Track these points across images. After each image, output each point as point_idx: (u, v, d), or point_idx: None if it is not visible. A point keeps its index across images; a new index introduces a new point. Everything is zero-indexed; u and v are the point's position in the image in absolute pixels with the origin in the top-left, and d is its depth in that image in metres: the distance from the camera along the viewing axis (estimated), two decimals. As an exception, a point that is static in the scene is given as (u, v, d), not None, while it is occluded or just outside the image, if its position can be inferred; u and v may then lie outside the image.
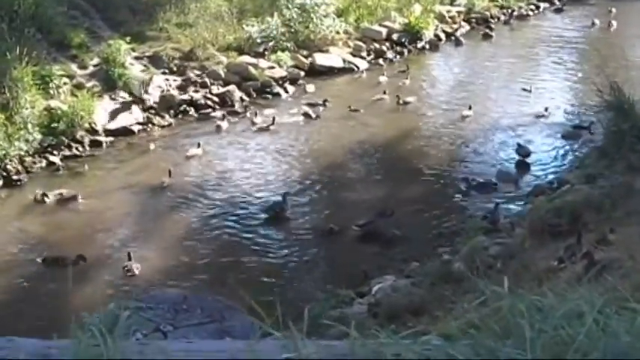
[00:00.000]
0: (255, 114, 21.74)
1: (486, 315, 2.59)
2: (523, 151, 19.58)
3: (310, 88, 24.35)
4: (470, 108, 22.20)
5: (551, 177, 18.69)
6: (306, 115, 21.77)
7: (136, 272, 14.35)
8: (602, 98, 18.95)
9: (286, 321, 2.47)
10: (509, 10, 34.70)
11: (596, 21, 33.20)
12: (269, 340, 2.60)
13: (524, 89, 23.70)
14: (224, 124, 21.39)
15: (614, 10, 34.83)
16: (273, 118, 21.36)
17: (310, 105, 22.33)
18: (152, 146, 20.37)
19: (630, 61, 29.17)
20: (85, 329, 2.37)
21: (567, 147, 20.62)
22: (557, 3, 36.99)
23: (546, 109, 22.62)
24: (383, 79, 25.58)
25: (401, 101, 23.06)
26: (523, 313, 2.41)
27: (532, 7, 35.99)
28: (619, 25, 33.37)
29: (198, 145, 19.58)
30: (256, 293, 13.77)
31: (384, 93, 23.41)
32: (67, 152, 19.68)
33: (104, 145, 20.23)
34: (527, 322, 2.36)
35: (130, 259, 14.56)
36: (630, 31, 33.43)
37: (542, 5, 36.49)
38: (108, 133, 20.65)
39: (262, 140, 20.71)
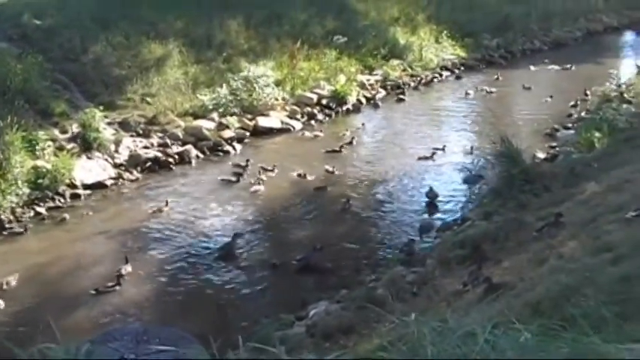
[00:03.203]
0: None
1: (396, 338, 2.62)
2: (432, 194, 19.69)
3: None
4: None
5: (455, 215, 18.79)
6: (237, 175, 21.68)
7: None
8: (496, 148, 19.20)
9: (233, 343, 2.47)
10: (418, 78, 35.08)
11: (487, 87, 33.63)
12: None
13: (437, 149, 23.78)
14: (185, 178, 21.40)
15: (500, 77, 35.48)
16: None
17: (238, 166, 22.22)
18: (123, 198, 20.29)
19: (516, 117, 29.56)
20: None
21: (468, 190, 20.75)
22: (457, 72, 37.52)
23: (449, 153, 22.91)
24: (311, 135, 25.89)
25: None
26: (426, 335, 2.45)
27: (436, 74, 36.43)
28: (504, 89, 33.92)
29: (166, 204, 19.48)
30: (209, 322, 13.80)
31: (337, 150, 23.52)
32: (51, 204, 19.53)
33: (82, 197, 20.11)
34: (429, 343, 2.39)
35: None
36: (514, 94, 33.87)
37: (445, 73, 36.94)
38: (85, 187, 20.53)
39: (219, 191, 20.65)
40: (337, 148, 23.97)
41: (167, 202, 19.52)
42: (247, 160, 22.32)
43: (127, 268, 15.52)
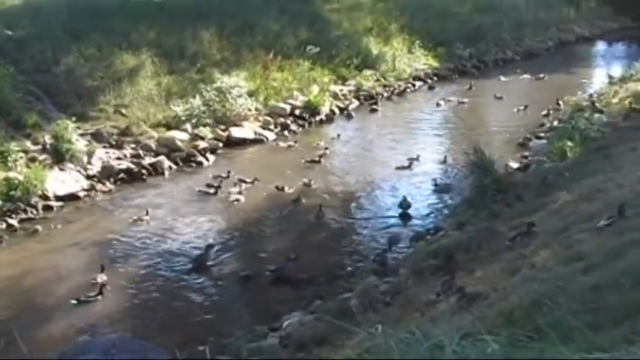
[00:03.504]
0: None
1: (364, 350, 2.63)
2: (405, 204, 19.71)
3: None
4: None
5: (429, 225, 18.81)
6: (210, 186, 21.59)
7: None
8: (469, 158, 19.28)
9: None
10: (391, 88, 35.20)
11: (460, 97, 33.77)
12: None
13: (410, 159, 23.84)
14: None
15: (473, 87, 35.66)
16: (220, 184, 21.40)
17: (216, 177, 22.14)
18: (96, 209, 20.22)
19: (489, 127, 29.69)
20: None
21: (441, 200, 20.81)
22: (429, 82, 37.65)
23: (423, 163, 23.06)
24: (285, 145, 25.94)
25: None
26: (393, 347, 2.45)
27: (409, 85, 36.61)
28: (477, 99, 34.08)
29: (147, 213, 19.46)
30: (181, 334, 13.77)
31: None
32: (23, 216, 19.36)
33: (55, 209, 19.97)
34: (396, 354, 2.40)
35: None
36: (486, 104, 34.02)
37: (418, 84, 37.11)
38: (58, 198, 20.38)
39: (192, 203, 20.61)
40: (313, 159, 24.04)
41: (147, 211, 19.53)
42: (229, 172, 22.24)
43: (103, 277, 15.46)
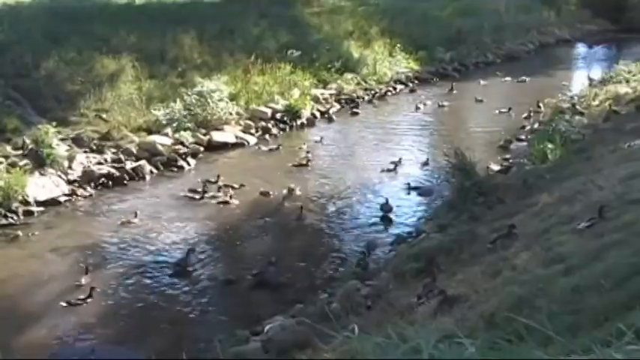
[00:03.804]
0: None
1: (340, 353, 2.61)
2: (387, 207, 19.72)
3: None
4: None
5: (410, 228, 18.83)
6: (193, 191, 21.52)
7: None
8: (449, 161, 19.30)
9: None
10: (372, 92, 35.23)
11: (441, 100, 33.86)
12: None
13: (392, 162, 23.87)
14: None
15: (454, 90, 35.78)
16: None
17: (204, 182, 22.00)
18: (77, 214, 20.15)
19: (470, 130, 29.79)
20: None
21: (423, 203, 20.85)
22: (410, 85, 37.72)
23: (404, 166, 23.16)
24: (266, 149, 25.98)
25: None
26: (369, 352, 2.44)
27: (390, 88, 36.67)
28: (458, 102, 34.20)
29: (135, 215, 19.50)
30: (163, 339, 13.74)
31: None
32: (3, 221, 19.22)
33: (35, 214, 19.84)
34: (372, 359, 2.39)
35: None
36: (468, 107, 34.12)
37: (399, 87, 37.19)
38: (38, 204, 20.25)
39: (174, 207, 20.55)
40: (294, 163, 24.08)
41: (136, 214, 19.56)
42: (218, 176, 22.08)
43: (87, 279, 15.43)
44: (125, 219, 19.34)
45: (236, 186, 21.54)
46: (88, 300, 14.99)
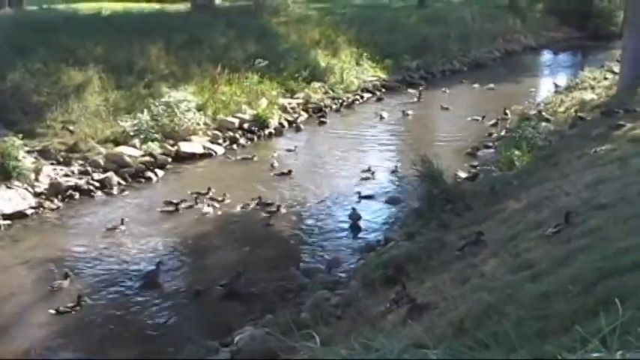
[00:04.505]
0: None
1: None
2: (355, 216, 19.73)
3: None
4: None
5: (379, 236, 18.85)
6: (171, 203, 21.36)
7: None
8: (417, 169, 19.34)
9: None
10: (340, 100, 35.25)
11: (409, 108, 33.97)
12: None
13: (361, 170, 24.03)
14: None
15: (421, 98, 35.92)
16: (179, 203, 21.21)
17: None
18: (44, 227, 20.00)
19: (438, 137, 29.89)
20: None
21: (391, 210, 20.87)
22: (378, 93, 37.81)
23: (372, 175, 23.37)
24: (234, 159, 25.95)
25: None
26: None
27: (358, 97, 36.71)
28: (425, 109, 34.32)
29: (122, 222, 19.58)
30: (132, 351, 13.66)
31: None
32: (-30, 235, 19.16)
33: (2, 227, 19.65)
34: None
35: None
36: (435, 115, 34.25)
37: (366, 95, 37.27)
38: (5, 217, 20.06)
39: (142, 218, 20.43)
40: (263, 172, 24.00)
41: (122, 220, 19.64)
42: (208, 188, 21.83)
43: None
44: (93, 231, 19.24)
45: (220, 198, 21.46)
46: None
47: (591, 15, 64.12)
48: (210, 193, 21.57)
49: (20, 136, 22.95)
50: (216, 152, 26.74)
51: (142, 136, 25.52)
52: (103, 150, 24.56)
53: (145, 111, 26.63)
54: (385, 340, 2.65)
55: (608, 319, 3.88)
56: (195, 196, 21.40)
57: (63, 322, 14.78)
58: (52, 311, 14.92)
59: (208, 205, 20.92)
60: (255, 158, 25.96)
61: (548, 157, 20.33)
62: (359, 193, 21.96)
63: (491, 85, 39.40)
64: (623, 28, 30.50)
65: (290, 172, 23.98)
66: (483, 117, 31.37)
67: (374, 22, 46.34)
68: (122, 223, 19.71)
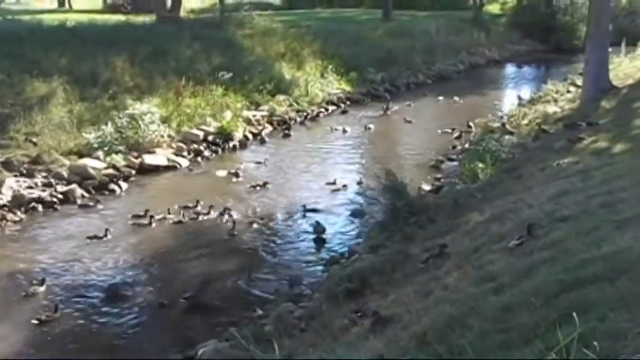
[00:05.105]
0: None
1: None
2: (319, 229, 19.74)
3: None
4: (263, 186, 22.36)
5: (343, 249, 18.85)
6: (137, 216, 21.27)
7: None
8: (380, 182, 19.39)
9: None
10: (304, 113, 35.38)
11: (373, 121, 34.10)
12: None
13: (326, 183, 24.13)
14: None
15: (386, 111, 36.04)
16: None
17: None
18: (7, 240, 19.84)
19: (402, 150, 30.00)
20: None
21: (355, 223, 20.89)
22: (343, 106, 37.93)
23: (337, 188, 23.39)
24: (198, 171, 25.87)
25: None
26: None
27: (322, 109, 36.87)
28: (390, 122, 34.42)
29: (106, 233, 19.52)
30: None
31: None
32: None
33: (-37, 240, 19.57)
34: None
35: None
36: (400, 127, 34.33)
37: (331, 108, 37.41)
38: (-34, 229, 20.01)
39: (106, 231, 20.29)
40: (227, 184, 23.95)
41: (107, 231, 19.60)
42: (197, 201, 21.87)
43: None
44: (56, 243, 19.12)
45: (168, 208, 21.40)
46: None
47: (555, 29, 64.77)
48: (199, 207, 21.65)
49: (-18, 148, 22.82)
50: (180, 165, 26.67)
51: (105, 149, 25.41)
52: (66, 162, 24.42)
53: (109, 123, 26.52)
54: (344, 352, 2.66)
55: (569, 330, 3.92)
56: (180, 208, 21.46)
57: (21, 335, 14.62)
58: (12, 326, 14.79)
59: (178, 216, 20.88)
60: (220, 171, 25.88)
61: (511, 169, 20.43)
62: (323, 205, 22.01)
63: (456, 98, 39.66)
64: (585, 42, 30.74)
65: (265, 184, 23.96)
66: (453, 129, 31.44)
67: (339, 34, 46.54)
68: (85, 236, 19.61)
